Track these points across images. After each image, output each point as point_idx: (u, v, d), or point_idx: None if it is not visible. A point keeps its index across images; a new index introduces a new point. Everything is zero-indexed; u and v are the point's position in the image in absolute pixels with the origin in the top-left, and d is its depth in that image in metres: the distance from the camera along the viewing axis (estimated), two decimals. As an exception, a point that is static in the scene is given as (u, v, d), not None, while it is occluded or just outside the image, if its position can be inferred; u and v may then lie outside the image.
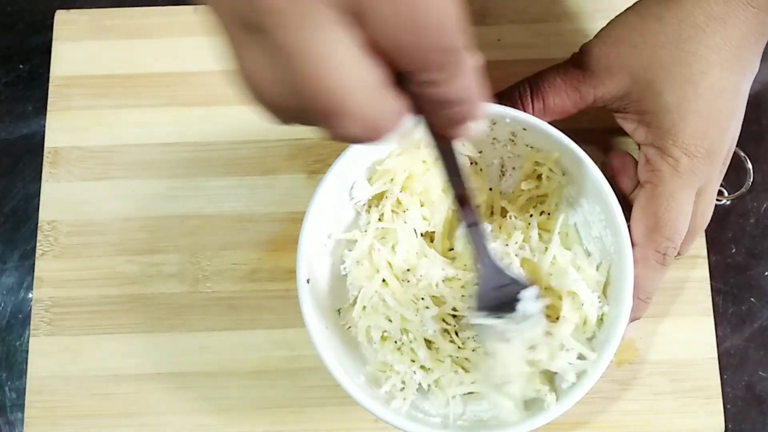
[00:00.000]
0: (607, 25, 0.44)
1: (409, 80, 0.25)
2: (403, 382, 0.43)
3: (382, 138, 0.25)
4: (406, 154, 0.44)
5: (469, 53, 0.25)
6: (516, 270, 0.42)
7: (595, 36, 0.44)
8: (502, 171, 0.47)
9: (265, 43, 0.22)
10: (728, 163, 0.44)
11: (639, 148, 0.44)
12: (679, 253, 0.44)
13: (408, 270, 0.44)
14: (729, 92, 0.41)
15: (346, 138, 0.24)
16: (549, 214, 0.45)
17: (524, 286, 0.39)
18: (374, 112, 0.24)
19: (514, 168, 0.47)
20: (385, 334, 0.43)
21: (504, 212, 0.46)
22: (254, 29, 0.22)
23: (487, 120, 0.43)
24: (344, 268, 0.45)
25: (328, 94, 0.22)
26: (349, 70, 0.22)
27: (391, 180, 0.44)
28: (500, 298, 0.39)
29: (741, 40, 0.40)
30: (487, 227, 0.43)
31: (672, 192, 0.42)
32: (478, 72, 0.26)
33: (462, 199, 0.35)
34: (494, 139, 0.45)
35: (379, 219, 0.44)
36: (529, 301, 0.39)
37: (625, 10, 0.43)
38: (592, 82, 0.43)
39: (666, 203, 0.42)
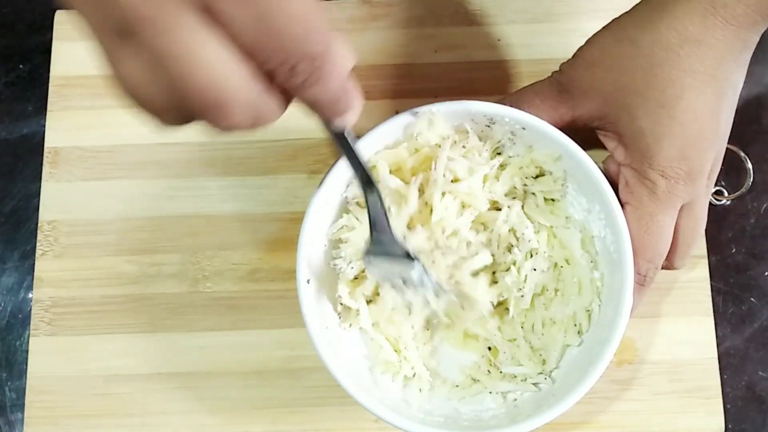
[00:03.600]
0: (585, 44, 0.43)
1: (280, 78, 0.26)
2: (413, 369, 0.43)
3: (264, 124, 0.26)
4: (393, 149, 0.44)
5: (338, 55, 0.26)
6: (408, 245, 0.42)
7: (573, 55, 0.43)
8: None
9: (138, 48, 0.24)
10: (716, 176, 0.43)
11: (619, 169, 0.43)
12: (675, 268, 0.44)
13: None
14: (706, 114, 0.40)
15: (231, 127, 0.26)
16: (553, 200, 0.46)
17: (412, 260, 0.39)
18: (250, 99, 0.25)
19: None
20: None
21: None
22: (126, 35, 0.24)
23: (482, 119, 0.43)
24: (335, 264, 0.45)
25: (204, 88, 0.24)
26: (219, 64, 0.24)
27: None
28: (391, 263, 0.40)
29: (719, 59, 0.39)
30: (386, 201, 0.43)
31: (651, 214, 0.41)
32: (347, 73, 0.27)
33: (363, 178, 0.37)
34: (498, 142, 0.45)
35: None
36: (416, 272, 0.39)
37: (603, 29, 0.43)
38: (569, 103, 0.43)
39: (646, 226, 0.41)
